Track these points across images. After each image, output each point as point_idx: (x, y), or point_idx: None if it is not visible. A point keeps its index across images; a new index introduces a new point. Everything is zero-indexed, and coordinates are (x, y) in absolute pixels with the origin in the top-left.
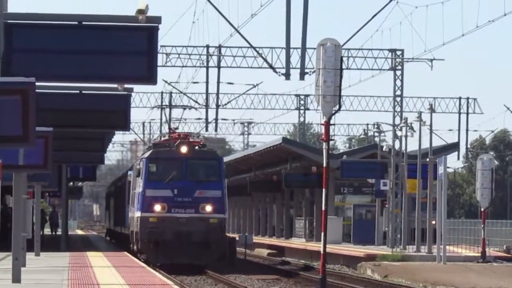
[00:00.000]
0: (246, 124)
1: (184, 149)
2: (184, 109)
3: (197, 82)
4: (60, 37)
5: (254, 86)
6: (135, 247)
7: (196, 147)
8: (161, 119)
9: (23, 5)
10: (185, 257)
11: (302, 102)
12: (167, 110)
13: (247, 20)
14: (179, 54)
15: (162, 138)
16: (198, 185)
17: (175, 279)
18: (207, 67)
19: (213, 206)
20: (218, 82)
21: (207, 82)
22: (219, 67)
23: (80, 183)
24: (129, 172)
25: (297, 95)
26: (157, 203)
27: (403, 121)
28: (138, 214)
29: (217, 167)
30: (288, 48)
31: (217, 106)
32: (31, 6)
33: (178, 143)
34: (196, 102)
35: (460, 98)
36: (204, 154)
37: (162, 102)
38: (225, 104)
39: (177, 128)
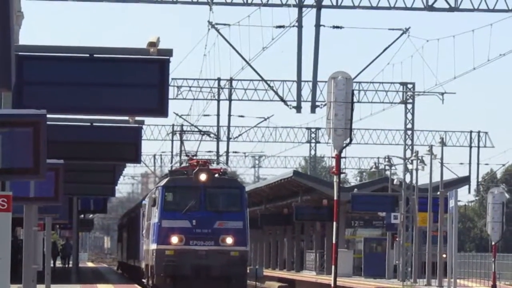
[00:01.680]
0: (257, 157)
1: (203, 176)
2: (202, 134)
3: (208, 115)
4: (71, 70)
5: (265, 119)
6: (150, 282)
7: (216, 175)
8: (172, 151)
9: (34, 37)
10: None
11: (313, 135)
12: (178, 142)
13: (259, 53)
14: (190, 87)
15: (180, 166)
16: (218, 216)
17: None
18: (218, 100)
19: (234, 238)
20: (229, 115)
21: (218, 115)
22: (230, 99)
23: (91, 215)
24: (143, 202)
25: (308, 128)
26: (174, 234)
27: (414, 154)
28: (153, 246)
29: (238, 196)
30: (299, 81)
31: (228, 138)
32: (43, 38)
33: (196, 171)
34: (208, 134)
35: (471, 132)
36: (224, 182)
37: (173, 134)
38: (236, 137)
39: (195, 155)
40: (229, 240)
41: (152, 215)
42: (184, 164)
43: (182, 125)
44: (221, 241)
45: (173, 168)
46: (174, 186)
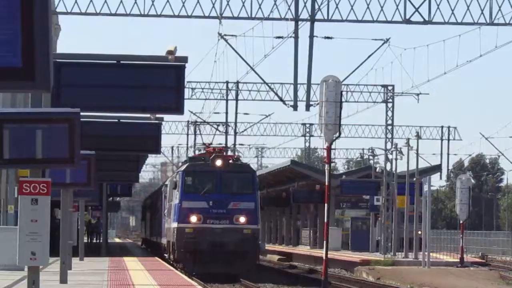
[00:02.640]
0: (259, 148)
1: (219, 162)
2: (217, 125)
3: (218, 113)
4: (101, 74)
5: (267, 116)
6: (171, 257)
7: (230, 161)
8: (187, 144)
9: (69, 47)
10: (220, 266)
11: (307, 130)
12: (192, 136)
13: (261, 60)
14: (202, 89)
15: (198, 153)
16: (232, 197)
17: (198, 280)
18: (227, 100)
19: (246, 218)
20: (236, 113)
21: (226, 113)
22: (237, 100)
23: (118, 198)
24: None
25: (303, 124)
26: (193, 214)
27: (393, 146)
28: (174, 225)
29: (250, 179)
30: (295, 83)
31: (235, 133)
32: (77, 47)
33: (213, 157)
34: (217, 129)
35: (442, 127)
36: (238, 167)
37: (188, 129)
38: (242, 132)
39: (211, 144)
40: (242, 219)
41: (174, 196)
42: (201, 152)
43: (195, 121)
44: (235, 220)
45: (192, 155)
46: (193, 170)
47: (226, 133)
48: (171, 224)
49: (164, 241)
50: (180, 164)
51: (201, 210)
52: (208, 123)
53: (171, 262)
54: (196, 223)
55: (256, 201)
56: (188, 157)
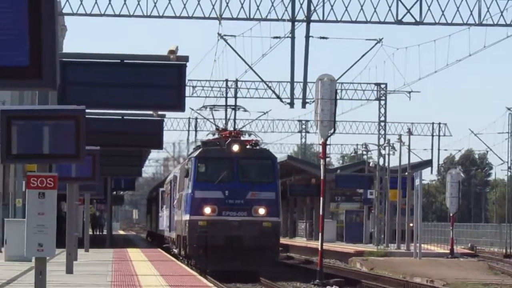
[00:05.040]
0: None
1: (235, 147)
2: (232, 108)
3: (217, 110)
4: (105, 73)
5: (265, 113)
6: (182, 252)
7: (248, 146)
8: (187, 140)
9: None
10: (236, 263)
11: (303, 126)
12: (193, 133)
13: (259, 59)
14: (203, 87)
15: (212, 137)
16: (250, 186)
17: (196, 269)
18: (226, 98)
19: (266, 209)
20: (235, 110)
21: (226, 110)
22: (235, 97)
23: (122, 192)
24: (174, 173)
25: (299, 121)
26: (207, 205)
27: (386, 142)
28: (186, 217)
29: (270, 167)
30: (292, 82)
31: (234, 129)
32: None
33: (229, 142)
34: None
35: (433, 123)
36: (257, 153)
37: (189, 126)
38: (241, 128)
39: (225, 129)
40: (262, 210)
41: (185, 186)
42: (216, 136)
43: (196, 118)
44: (254, 211)
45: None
46: (206, 157)
47: (226, 129)
48: (181, 217)
49: (173, 235)
50: (192, 150)
51: (215, 200)
52: (208, 119)
53: (181, 259)
54: (210, 215)
55: (277, 190)
56: (201, 142)
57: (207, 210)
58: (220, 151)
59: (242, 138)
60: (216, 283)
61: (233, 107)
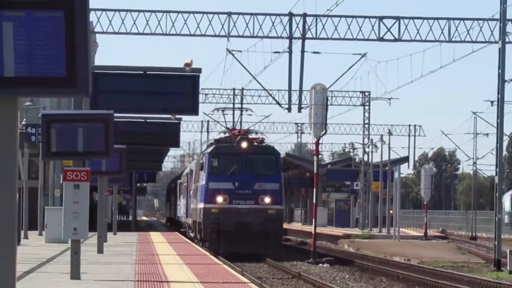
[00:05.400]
0: None
1: (244, 144)
2: (242, 110)
3: (226, 114)
4: (130, 82)
5: (266, 117)
6: (197, 236)
7: (255, 143)
8: (201, 140)
9: (105, 60)
10: (245, 246)
11: (299, 128)
12: (205, 134)
13: (261, 70)
14: (213, 94)
15: (223, 135)
16: (257, 178)
17: (209, 251)
18: (233, 104)
19: (271, 198)
20: (241, 114)
21: (233, 114)
22: (241, 103)
23: (144, 184)
24: (190, 167)
25: (296, 123)
26: (219, 195)
27: (369, 141)
28: (201, 205)
29: (275, 161)
30: (289, 90)
31: (240, 130)
32: (110, 60)
33: (238, 139)
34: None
35: (409, 125)
36: (263, 149)
37: (202, 127)
38: (246, 129)
39: (234, 129)
40: (267, 199)
41: (200, 178)
42: (227, 135)
43: (208, 121)
44: (260, 200)
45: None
46: (219, 152)
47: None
48: (197, 205)
49: (189, 220)
50: (206, 147)
51: (227, 191)
52: (218, 122)
53: (196, 241)
54: (222, 203)
55: (281, 182)
56: (214, 139)
57: (219, 199)
58: (231, 147)
59: (250, 136)
60: (227, 262)
61: (241, 109)
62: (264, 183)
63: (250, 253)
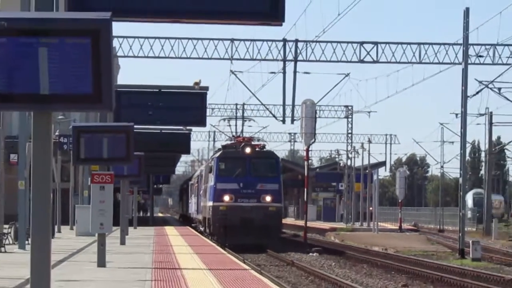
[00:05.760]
0: None
1: (248, 150)
2: (245, 119)
3: (230, 125)
4: (148, 99)
5: (264, 128)
6: (207, 230)
7: (257, 149)
8: (208, 147)
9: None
10: (249, 238)
11: (292, 137)
12: (212, 142)
13: (260, 88)
14: (219, 109)
15: (229, 142)
16: (259, 180)
17: (217, 242)
18: (236, 116)
19: (272, 197)
20: (242, 125)
21: (236, 125)
22: (243, 116)
23: (160, 185)
24: (200, 170)
25: (289, 133)
26: (226, 194)
27: (352, 148)
28: (210, 203)
29: (275, 164)
30: (284, 104)
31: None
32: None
33: (243, 145)
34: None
35: (386, 135)
36: (264, 154)
37: (209, 137)
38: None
39: (239, 136)
40: (268, 198)
41: (209, 179)
42: (232, 141)
43: (214, 131)
44: (262, 199)
45: (225, 144)
46: (226, 157)
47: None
48: (207, 203)
49: (200, 217)
50: (213, 153)
51: (232, 190)
52: (223, 132)
53: (206, 235)
54: (228, 202)
55: (280, 183)
56: (222, 145)
57: (226, 198)
58: (236, 152)
59: (252, 143)
60: (231, 252)
61: (244, 119)
62: (266, 183)
63: (254, 244)
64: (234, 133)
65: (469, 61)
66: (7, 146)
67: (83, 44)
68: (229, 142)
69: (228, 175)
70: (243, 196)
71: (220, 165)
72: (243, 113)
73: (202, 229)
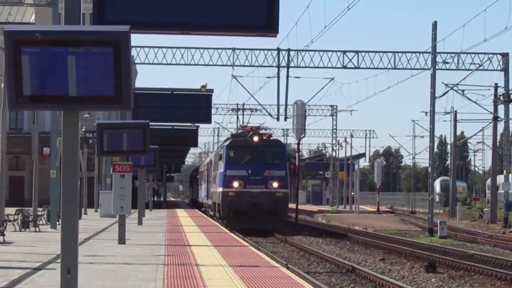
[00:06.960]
0: None
1: (256, 138)
2: (252, 110)
3: (232, 122)
4: (161, 99)
5: (261, 124)
6: (217, 214)
7: (265, 137)
8: (213, 141)
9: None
10: (257, 222)
11: (285, 132)
12: (216, 137)
13: (257, 90)
14: (222, 108)
15: (239, 131)
16: (267, 167)
17: (222, 223)
18: (237, 116)
19: (279, 183)
20: (242, 123)
21: (237, 123)
22: (243, 115)
23: (172, 174)
24: (210, 158)
25: (283, 129)
26: (235, 180)
27: (336, 142)
28: (220, 189)
29: (281, 152)
30: (278, 104)
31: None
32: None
33: (251, 134)
34: (241, 125)
35: (366, 130)
36: (271, 142)
37: (214, 132)
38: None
39: (247, 126)
40: (275, 184)
41: (219, 166)
42: (241, 130)
43: (219, 128)
44: (269, 185)
45: (234, 132)
46: (235, 145)
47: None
48: (216, 189)
49: (209, 202)
50: (223, 140)
51: (241, 177)
52: (226, 128)
53: (215, 219)
54: (237, 187)
55: (286, 169)
56: (231, 134)
57: (235, 184)
58: (245, 141)
59: (260, 132)
60: (240, 236)
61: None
62: (273, 170)
63: (262, 228)
64: (237, 125)
65: (437, 67)
66: (40, 140)
67: (105, 53)
68: (239, 131)
69: (237, 162)
70: (252, 182)
71: (230, 152)
72: (243, 112)
73: (211, 213)
